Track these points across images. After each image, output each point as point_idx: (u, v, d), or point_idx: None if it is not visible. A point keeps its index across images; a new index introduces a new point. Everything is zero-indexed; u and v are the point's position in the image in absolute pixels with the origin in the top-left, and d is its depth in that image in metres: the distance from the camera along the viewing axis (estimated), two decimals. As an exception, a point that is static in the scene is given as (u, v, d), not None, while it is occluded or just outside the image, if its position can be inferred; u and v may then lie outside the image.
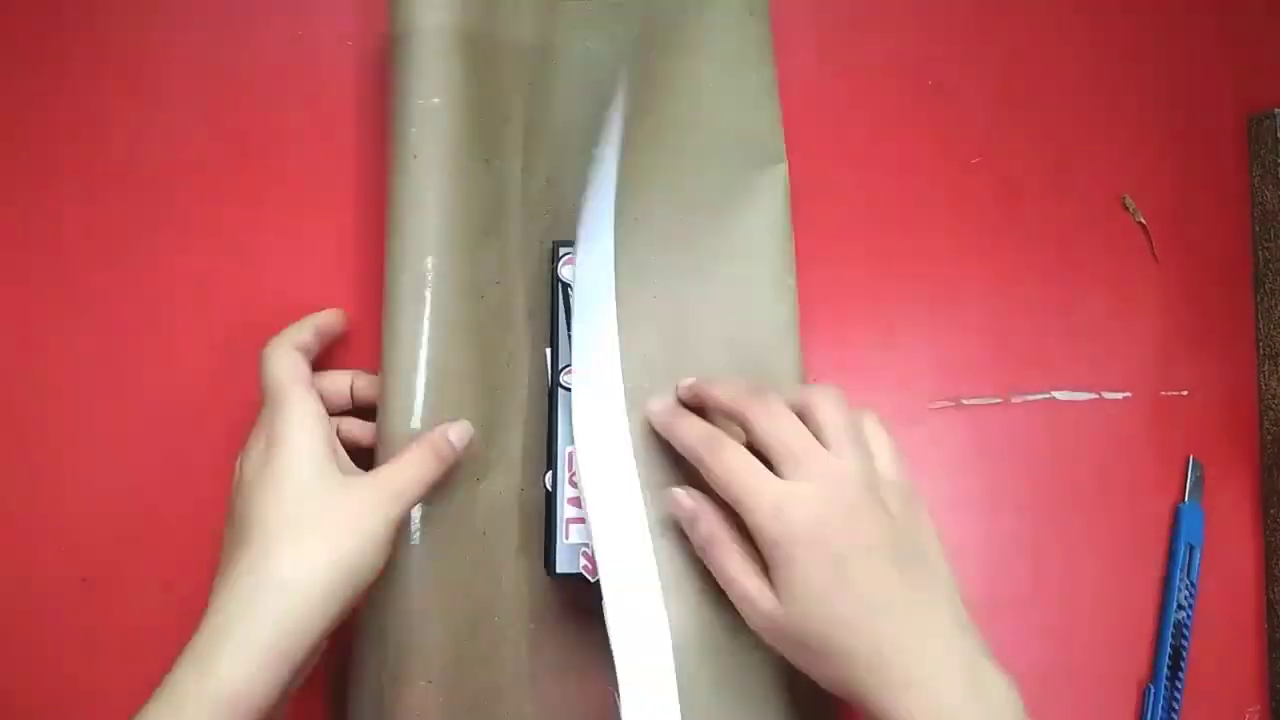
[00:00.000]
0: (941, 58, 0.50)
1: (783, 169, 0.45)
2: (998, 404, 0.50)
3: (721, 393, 0.38)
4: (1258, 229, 0.52)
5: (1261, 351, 0.52)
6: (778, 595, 0.34)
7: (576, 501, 0.41)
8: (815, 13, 0.49)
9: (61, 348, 0.44)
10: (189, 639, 0.32)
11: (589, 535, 0.38)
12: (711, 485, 0.36)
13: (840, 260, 0.49)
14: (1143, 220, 0.51)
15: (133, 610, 0.43)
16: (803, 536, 0.34)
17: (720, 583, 0.37)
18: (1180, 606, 0.50)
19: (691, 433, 0.38)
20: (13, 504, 0.44)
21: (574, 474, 0.40)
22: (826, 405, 0.36)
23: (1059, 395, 0.50)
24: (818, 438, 0.36)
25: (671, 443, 0.39)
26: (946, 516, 0.49)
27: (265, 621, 0.32)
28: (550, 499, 0.42)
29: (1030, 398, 0.50)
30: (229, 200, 0.45)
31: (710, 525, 0.37)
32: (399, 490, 0.36)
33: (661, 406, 0.39)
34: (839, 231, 0.49)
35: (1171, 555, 0.50)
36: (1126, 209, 0.51)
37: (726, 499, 0.36)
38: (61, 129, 0.45)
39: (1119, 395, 0.51)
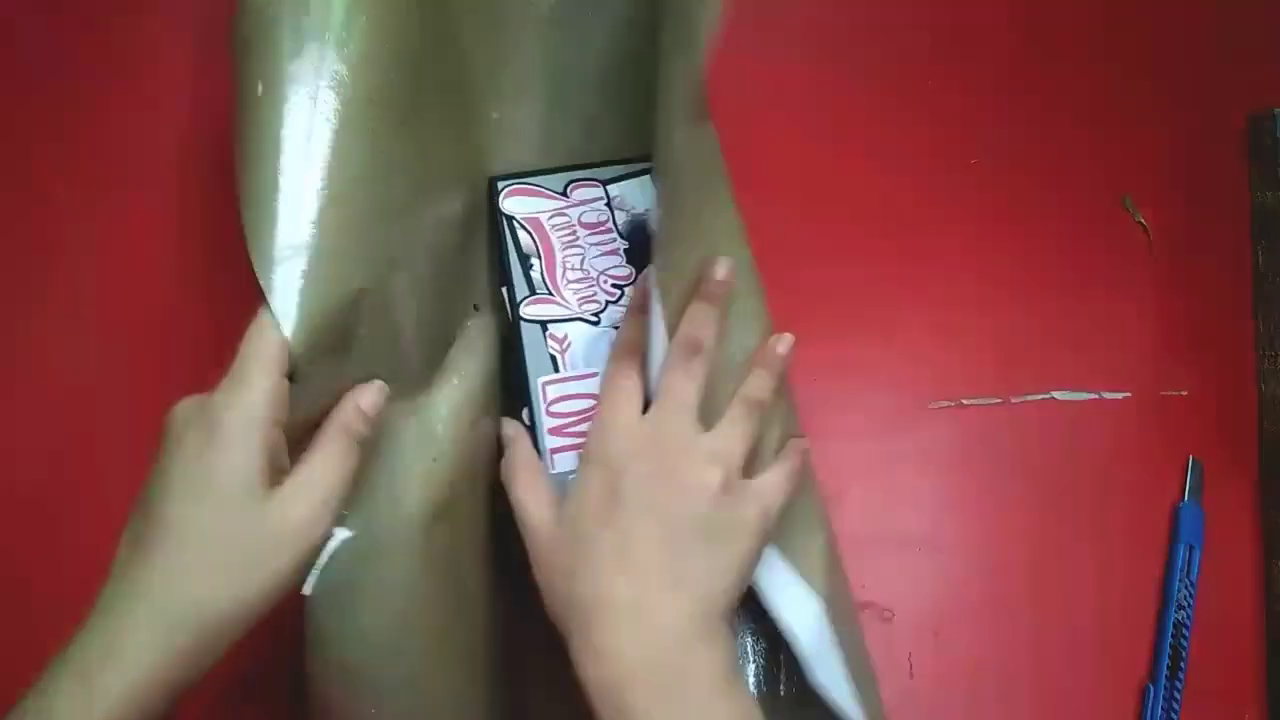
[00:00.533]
0: (941, 58, 0.50)
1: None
2: (998, 404, 0.49)
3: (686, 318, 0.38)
4: (1257, 229, 0.52)
5: (1261, 351, 0.52)
6: (561, 511, 0.36)
7: (559, 430, 0.40)
8: (815, 12, 0.49)
9: (63, 346, 0.44)
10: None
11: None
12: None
13: (840, 260, 0.49)
14: (1143, 220, 0.51)
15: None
16: (611, 459, 0.35)
17: (512, 503, 0.38)
18: (1180, 606, 0.50)
19: (623, 334, 0.39)
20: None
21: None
22: (762, 388, 0.37)
23: (1059, 395, 0.50)
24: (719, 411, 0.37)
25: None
26: (946, 516, 0.49)
27: (160, 646, 0.30)
28: (532, 431, 0.41)
29: (1030, 398, 0.50)
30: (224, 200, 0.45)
31: (520, 453, 0.39)
32: (315, 512, 0.34)
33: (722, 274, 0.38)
34: (839, 231, 0.49)
35: (1171, 555, 0.50)
36: (1126, 209, 0.51)
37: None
38: (56, 125, 0.45)
39: (1119, 395, 0.51)
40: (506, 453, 0.39)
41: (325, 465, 0.34)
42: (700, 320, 0.37)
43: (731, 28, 0.47)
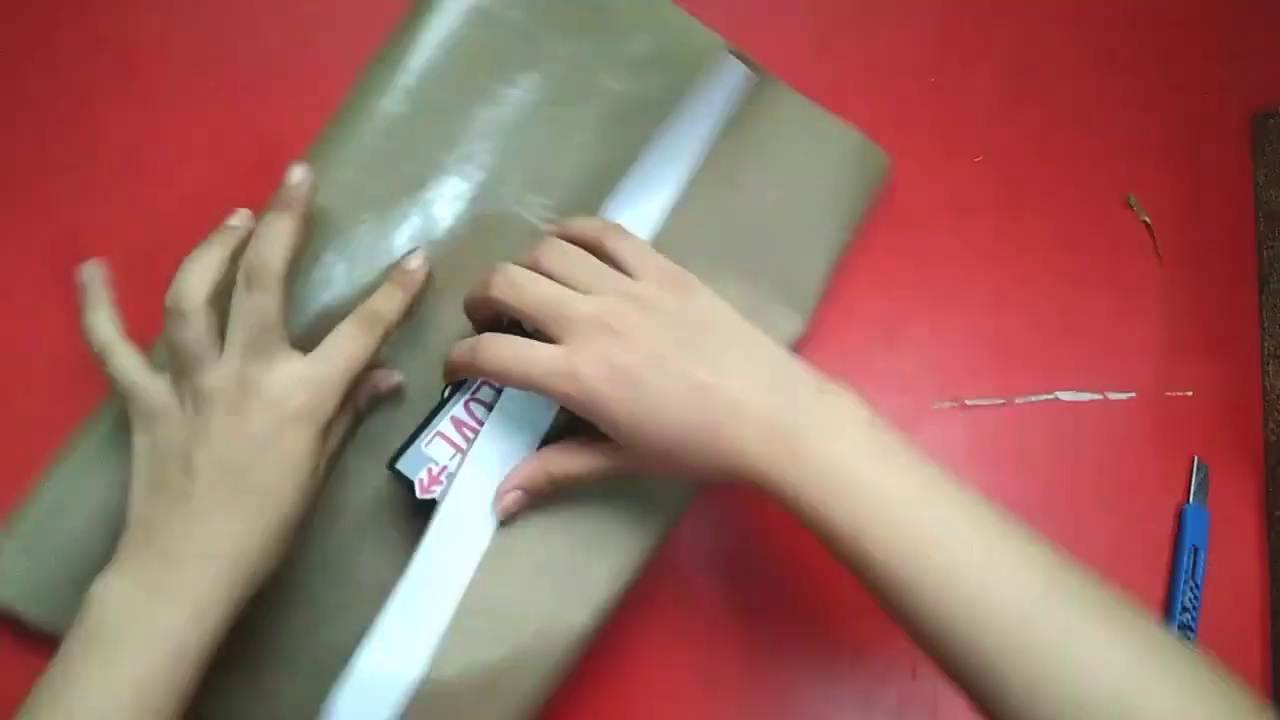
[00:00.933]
0: (944, 55, 0.50)
1: (798, 324, 0.45)
2: (1001, 405, 0.49)
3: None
4: (1262, 228, 0.52)
5: (1266, 351, 0.52)
6: (613, 443, 0.36)
7: (459, 424, 0.40)
8: (817, 9, 0.48)
9: (63, 344, 0.44)
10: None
11: (458, 467, 0.39)
12: (493, 380, 0.38)
13: (842, 259, 0.48)
14: (1147, 219, 0.51)
15: None
16: (600, 384, 0.35)
17: (583, 482, 0.38)
18: (1184, 609, 0.49)
19: (456, 356, 0.38)
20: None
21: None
22: (559, 254, 0.37)
23: (1063, 396, 0.50)
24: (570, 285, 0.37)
25: (469, 373, 0.38)
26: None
27: (219, 588, 0.34)
28: (440, 406, 0.40)
29: (1034, 398, 0.50)
30: (223, 199, 0.45)
31: (527, 467, 0.38)
32: (325, 375, 0.37)
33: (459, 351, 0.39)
34: (841, 230, 0.48)
35: (1176, 557, 0.50)
36: (1131, 208, 0.51)
37: (515, 383, 0.37)
38: (54, 124, 0.44)
39: (1123, 396, 0.50)
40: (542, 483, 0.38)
41: (336, 347, 0.37)
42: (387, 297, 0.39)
43: (731, 24, 0.47)
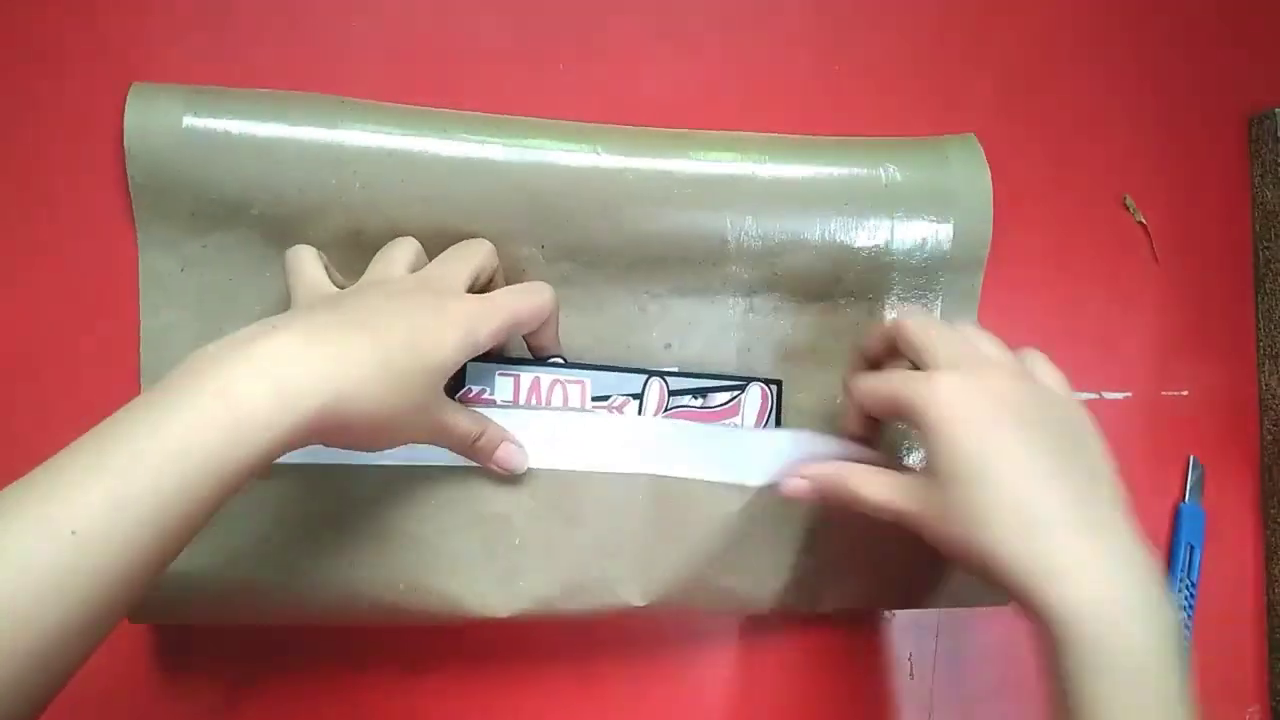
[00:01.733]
0: (940, 57, 0.50)
1: None
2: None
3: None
4: (1258, 229, 0.52)
5: (1262, 351, 0.52)
6: (931, 480, 0.34)
7: (536, 386, 0.42)
8: (815, 11, 0.48)
9: (63, 346, 0.44)
10: None
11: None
12: (866, 402, 0.38)
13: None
14: (1143, 220, 0.51)
15: None
16: (960, 410, 0.34)
17: (867, 510, 0.36)
18: (1180, 607, 0.50)
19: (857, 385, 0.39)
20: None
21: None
22: (976, 332, 0.39)
23: (1059, 395, 0.50)
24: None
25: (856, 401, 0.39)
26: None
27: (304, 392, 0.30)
28: (546, 359, 0.42)
29: (1030, 398, 0.50)
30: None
31: (831, 468, 0.38)
32: (484, 307, 0.37)
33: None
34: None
35: (1171, 555, 0.50)
36: (1127, 209, 0.51)
37: (884, 404, 0.37)
38: (54, 127, 0.45)
39: (1119, 395, 0.51)
40: (821, 478, 0.39)
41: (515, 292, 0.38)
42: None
43: (731, 24, 0.48)
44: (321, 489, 0.39)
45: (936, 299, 0.46)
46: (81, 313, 0.42)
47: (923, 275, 0.45)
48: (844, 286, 0.45)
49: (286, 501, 0.39)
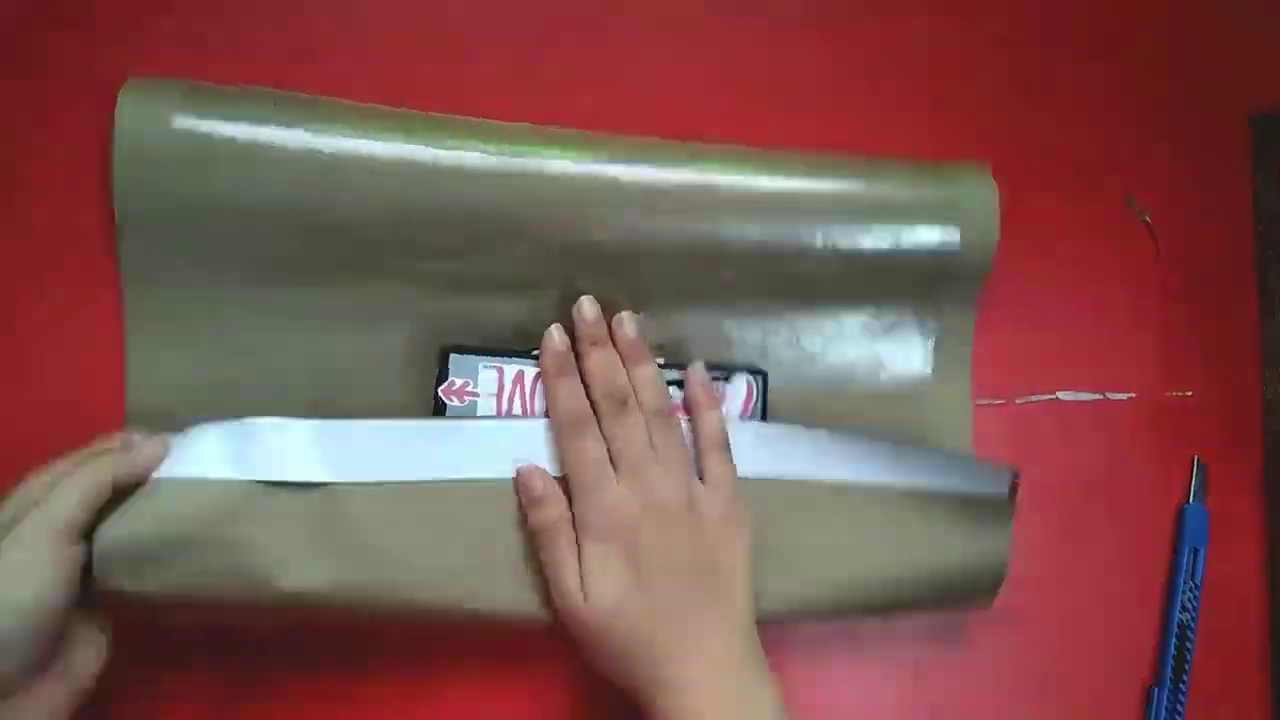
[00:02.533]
0: (943, 56, 0.49)
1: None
2: (1001, 404, 0.49)
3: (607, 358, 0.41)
4: (1262, 229, 0.52)
5: (1266, 352, 0.52)
6: (585, 588, 0.38)
7: (520, 379, 0.42)
8: (815, 10, 0.48)
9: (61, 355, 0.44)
10: None
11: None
12: (561, 462, 0.39)
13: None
14: (1148, 219, 0.51)
15: None
16: (619, 536, 0.38)
17: (545, 568, 0.39)
18: (1184, 609, 0.49)
19: (567, 402, 0.40)
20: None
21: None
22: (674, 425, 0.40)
23: (1063, 396, 0.50)
24: (664, 456, 0.39)
25: (549, 395, 0.40)
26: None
27: None
28: (527, 352, 0.42)
29: (1034, 398, 0.50)
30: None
31: (555, 512, 0.39)
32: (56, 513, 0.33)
33: (556, 347, 0.40)
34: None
35: (1175, 557, 0.50)
36: (1131, 209, 0.51)
37: (570, 482, 0.39)
38: (56, 127, 0.44)
39: (1123, 396, 0.50)
40: (543, 508, 0.39)
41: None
42: (613, 369, 0.40)
43: (731, 24, 0.47)
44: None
45: (938, 308, 0.47)
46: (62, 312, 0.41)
47: (925, 284, 0.46)
48: (845, 292, 0.46)
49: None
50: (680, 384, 0.43)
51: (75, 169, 0.41)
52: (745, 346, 0.46)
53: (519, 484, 0.39)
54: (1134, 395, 0.51)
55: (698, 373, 0.42)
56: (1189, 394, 0.51)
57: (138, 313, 0.41)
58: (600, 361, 0.40)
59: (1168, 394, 0.51)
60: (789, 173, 0.44)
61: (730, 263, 0.44)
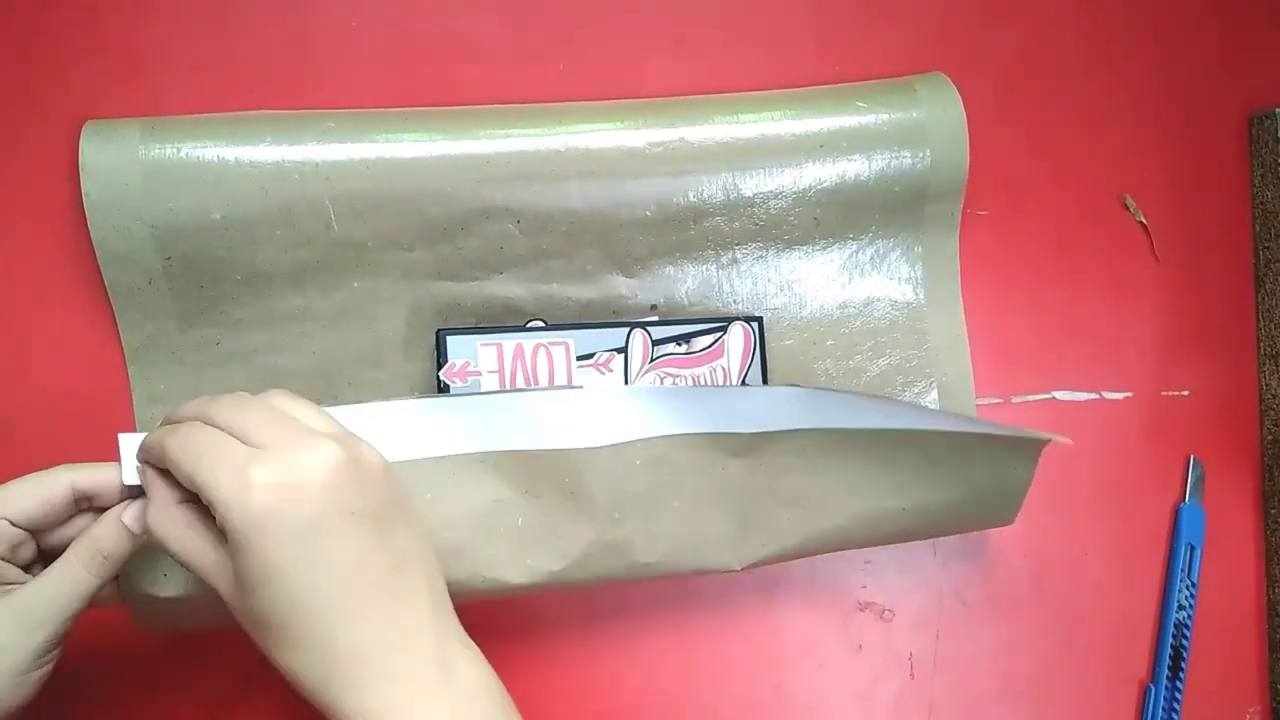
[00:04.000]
0: (940, 56, 0.49)
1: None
2: (999, 404, 0.49)
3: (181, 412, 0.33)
4: (1258, 228, 0.52)
5: (1262, 351, 0.52)
6: (237, 574, 0.30)
7: (520, 351, 0.42)
8: (815, 10, 0.48)
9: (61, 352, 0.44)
10: None
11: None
12: (176, 474, 0.31)
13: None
14: (1143, 220, 0.51)
15: None
16: (270, 504, 0.29)
17: (179, 559, 0.32)
18: (1181, 606, 0.50)
19: (154, 436, 0.33)
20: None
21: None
22: (293, 403, 0.34)
23: (1060, 395, 0.50)
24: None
25: (162, 463, 0.32)
26: (947, 517, 0.49)
27: None
28: (523, 326, 0.43)
29: (1031, 398, 0.50)
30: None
31: (160, 494, 0.32)
32: (36, 620, 0.32)
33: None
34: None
35: (1172, 555, 0.50)
36: (1127, 208, 0.51)
37: (189, 481, 0.31)
38: (56, 126, 0.44)
39: (1120, 395, 0.51)
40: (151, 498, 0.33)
41: (51, 582, 0.33)
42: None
43: (731, 24, 0.47)
44: None
45: (919, 231, 0.47)
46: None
47: (903, 209, 0.46)
48: (825, 229, 0.46)
49: None
50: (680, 339, 0.44)
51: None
52: (738, 297, 0.46)
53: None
54: (1130, 394, 0.51)
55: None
56: (1185, 393, 0.51)
57: (132, 338, 0.42)
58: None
59: (1164, 393, 0.51)
60: (756, 116, 0.44)
61: (709, 214, 0.44)
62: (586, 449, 0.40)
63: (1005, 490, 0.44)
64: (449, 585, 0.36)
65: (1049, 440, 0.43)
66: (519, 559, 0.40)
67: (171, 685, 0.43)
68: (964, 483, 0.43)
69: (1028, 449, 0.44)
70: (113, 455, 0.34)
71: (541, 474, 0.40)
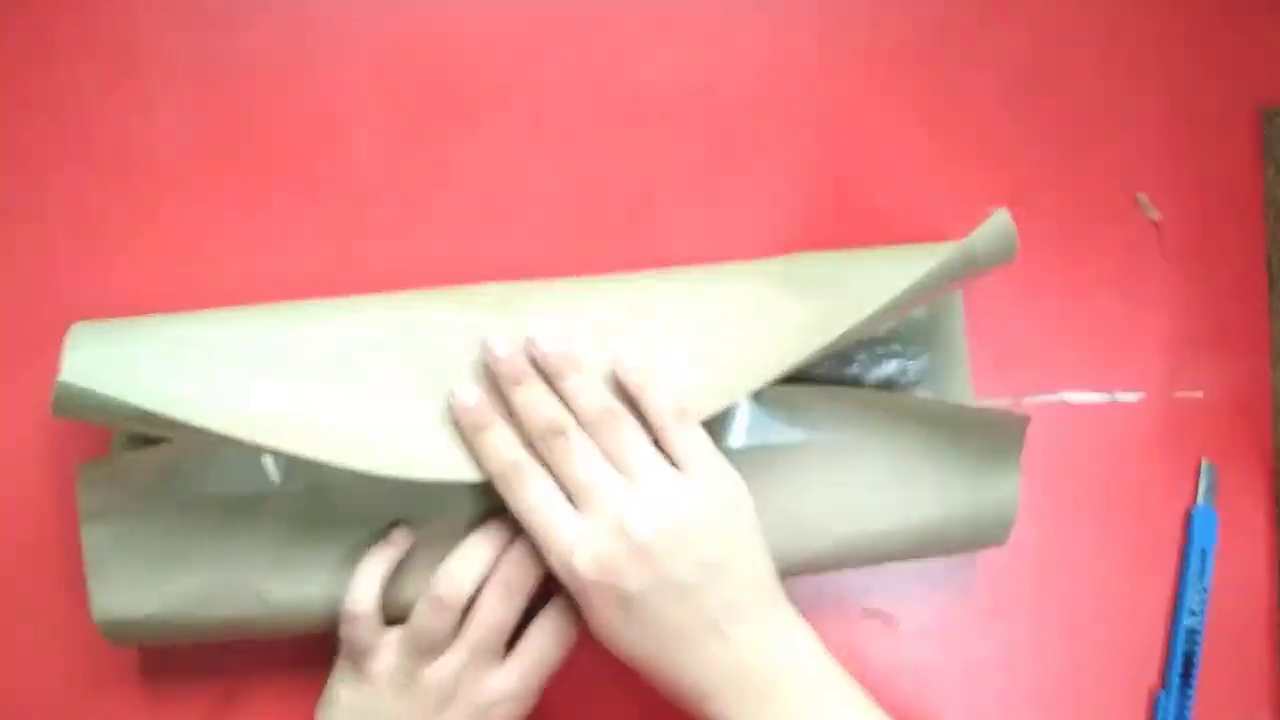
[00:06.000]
0: (949, 55, 0.49)
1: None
2: (1008, 405, 0.49)
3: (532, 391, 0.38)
4: (1272, 226, 0.52)
5: (1276, 351, 0.51)
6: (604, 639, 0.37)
7: None
8: (818, 10, 0.48)
9: (53, 349, 0.43)
10: None
11: None
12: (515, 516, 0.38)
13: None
14: (1156, 218, 0.50)
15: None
16: (590, 581, 0.36)
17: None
18: (1192, 612, 0.49)
19: (496, 456, 0.37)
20: None
21: None
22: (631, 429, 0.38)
23: (1070, 397, 0.49)
24: (622, 462, 0.37)
25: (474, 453, 0.38)
26: (956, 522, 0.48)
27: None
28: None
29: (1041, 399, 0.49)
30: (218, 196, 0.45)
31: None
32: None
33: (466, 405, 0.38)
34: (842, 232, 0.48)
35: (1184, 559, 0.50)
36: (1139, 207, 0.51)
37: (530, 534, 0.37)
38: (50, 121, 0.44)
39: (1131, 397, 0.50)
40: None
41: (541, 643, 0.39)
42: (538, 403, 0.38)
43: (730, 24, 0.47)
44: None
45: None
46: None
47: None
48: None
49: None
50: None
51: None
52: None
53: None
54: (1142, 396, 0.50)
55: (622, 361, 0.39)
56: (1198, 394, 0.51)
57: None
58: (523, 400, 0.37)
59: (1176, 395, 0.51)
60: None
61: None
62: None
63: (993, 505, 0.44)
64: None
65: (1021, 425, 0.43)
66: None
67: (161, 694, 0.43)
68: (947, 501, 0.43)
69: (1007, 456, 0.43)
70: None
71: None
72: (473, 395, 0.37)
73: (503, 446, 0.37)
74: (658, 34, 0.47)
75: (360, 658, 0.38)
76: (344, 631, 0.38)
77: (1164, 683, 0.49)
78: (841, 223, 0.48)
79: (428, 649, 0.37)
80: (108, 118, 0.44)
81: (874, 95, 0.49)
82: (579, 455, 0.37)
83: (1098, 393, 0.50)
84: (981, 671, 0.48)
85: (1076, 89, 0.50)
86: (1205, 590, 0.49)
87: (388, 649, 0.38)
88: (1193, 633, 0.49)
